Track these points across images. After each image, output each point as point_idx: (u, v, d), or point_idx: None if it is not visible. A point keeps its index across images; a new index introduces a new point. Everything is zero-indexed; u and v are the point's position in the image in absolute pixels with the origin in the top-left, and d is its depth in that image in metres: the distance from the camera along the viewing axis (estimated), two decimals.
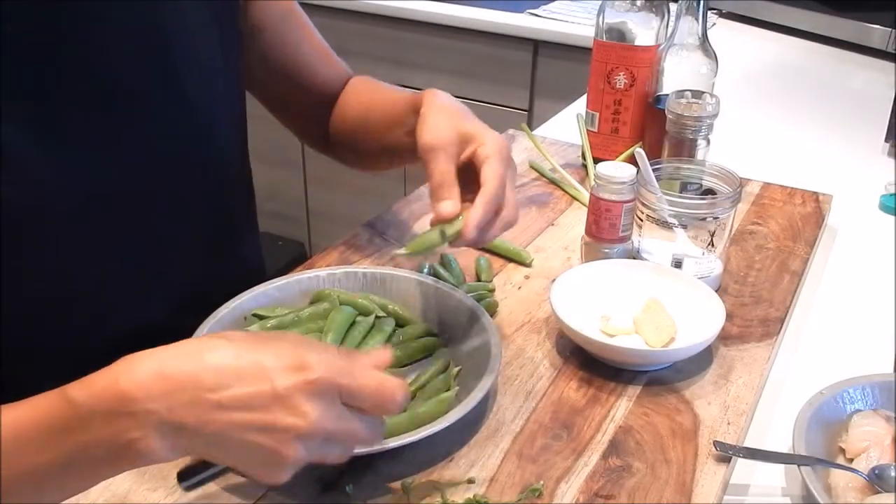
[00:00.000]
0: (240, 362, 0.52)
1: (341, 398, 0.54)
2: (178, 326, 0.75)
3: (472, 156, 0.75)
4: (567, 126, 1.36)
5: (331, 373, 0.53)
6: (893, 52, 1.80)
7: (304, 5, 0.99)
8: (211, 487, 0.65)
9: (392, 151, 0.92)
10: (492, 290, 0.91)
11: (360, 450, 0.66)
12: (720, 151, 1.04)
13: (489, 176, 0.73)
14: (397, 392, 0.56)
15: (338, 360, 0.54)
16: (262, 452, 0.53)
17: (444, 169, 0.73)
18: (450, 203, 0.72)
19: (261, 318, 0.80)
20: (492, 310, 0.87)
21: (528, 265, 0.97)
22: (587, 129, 1.19)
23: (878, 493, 0.66)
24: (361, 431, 0.56)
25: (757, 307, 0.90)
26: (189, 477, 0.58)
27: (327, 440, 0.54)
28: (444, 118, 0.77)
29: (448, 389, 0.74)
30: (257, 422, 0.52)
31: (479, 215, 0.71)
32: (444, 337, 0.82)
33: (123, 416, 0.51)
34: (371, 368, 0.56)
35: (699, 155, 1.00)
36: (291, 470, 0.54)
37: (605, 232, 0.93)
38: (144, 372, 0.51)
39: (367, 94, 0.99)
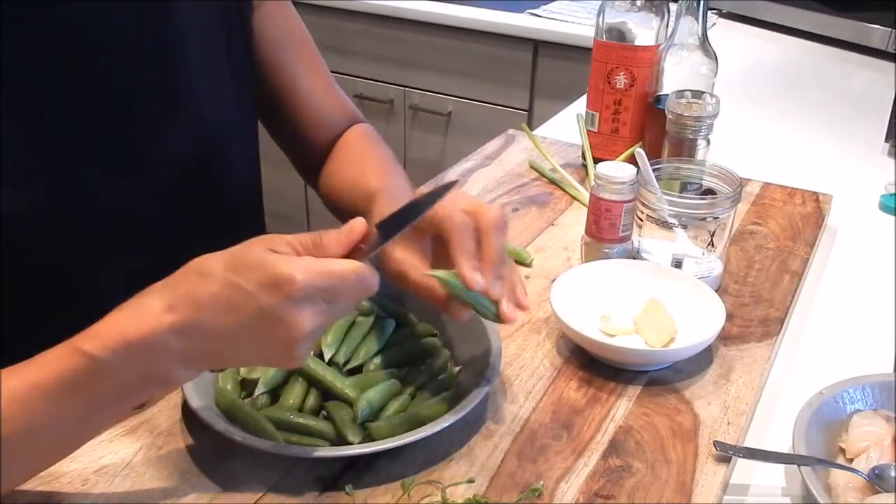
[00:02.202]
0: (225, 292, 0.57)
1: (322, 298, 0.58)
2: None
3: (426, 226, 0.71)
4: (567, 126, 1.36)
5: (307, 279, 0.57)
6: (893, 52, 1.80)
7: (305, 5, 0.98)
8: (211, 487, 0.65)
9: None
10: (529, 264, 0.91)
11: (360, 449, 0.66)
12: (720, 151, 1.04)
13: (444, 226, 0.69)
14: (369, 279, 0.60)
15: (311, 264, 0.58)
16: (272, 357, 0.61)
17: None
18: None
19: None
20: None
21: (528, 265, 0.98)
22: (587, 129, 1.19)
23: (878, 493, 0.66)
24: (351, 304, 0.63)
25: (757, 307, 0.90)
26: None
27: (324, 324, 0.60)
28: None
29: (448, 389, 0.74)
30: (258, 339, 0.58)
31: (462, 268, 0.67)
32: (444, 337, 0.82)
33: (143, 360, 0.57)
34: (341, 260, 0.60)
35: (699, 155, 1.00)
36: (306, 355, 0.61)
37: (605, 232, 0.93)
38: (152, 316, 0.57)
39: (356, 165, 0.93)
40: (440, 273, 0.67)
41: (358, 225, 0.62)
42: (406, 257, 0.72)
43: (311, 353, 0.75)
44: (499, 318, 0.68)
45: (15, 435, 0.55)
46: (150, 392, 0.61)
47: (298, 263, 0.58)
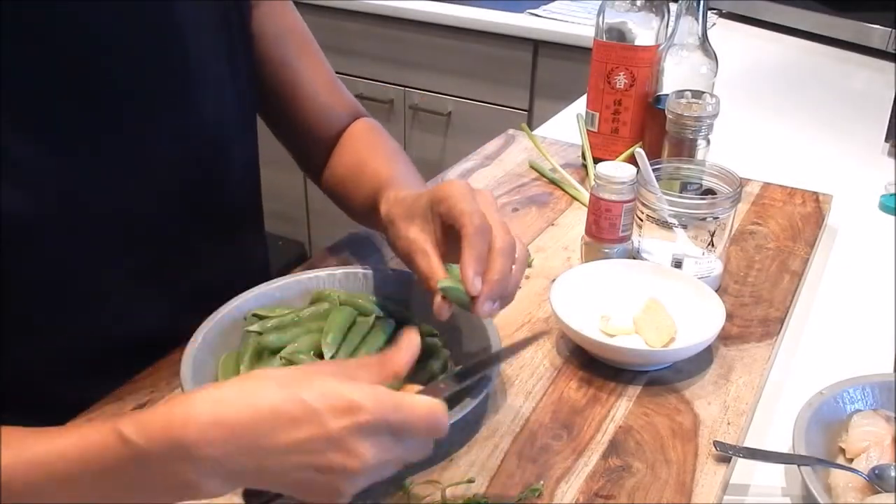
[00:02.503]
0: (291, 407, 0.53)
1: (391, 433, 0.54)
2: (184, 326, 0.75)
3: (444, 214, 0.71)
4: (567, 126, 1.36)
5: (380, 411, 0.53)
6: (893, 52, 1.80)
7: (305, 5, 0.98)
8: None
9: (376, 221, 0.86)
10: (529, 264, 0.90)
11: None
12: (720, 151, 1.04)
13: (463, 221, 0.68)
14: (442, 420, 0.57)
15: (384, 395, 0.54)
16: (319, 488, 0.55)
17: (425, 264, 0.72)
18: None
19: (261, 318, 0.80)
20: None
21: (528, 265, 0.97)
22: (587, 129, 1.19)
23: (878, 493, 0.66)
24: (414, 454, 0.58)
25: (757, 307, 0.90)
26: (252, 498, 0.58)
27: (382, 468, 0.56)
28: (425, 197, 0.74)
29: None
30: (313, 464, 0.53)
31: (468, 270, 0.67)
32: (444, 337, 0.82)
33: (182, 461, 0.52)
34: (415, 395, 0.57)
35: (699, 155, 1.00)
36: (350, 497, 0.56)
37: (605, 232, 0.93)
38: (201, 418, 0.52)
39: (363, 153, 0.93)
40: (449, 284, 0.68)
41: (412, 341, 0.60)
42: (418, 239, 0.71)
43: (311, 353, 0.74)
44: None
45: (23, 498, 0.53)
46: (170, 499, 0.55)
47: (373, 392, 0.54)
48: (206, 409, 0.52)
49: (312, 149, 0.98)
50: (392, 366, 0.59)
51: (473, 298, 0.67)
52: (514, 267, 0.69)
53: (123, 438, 0.52)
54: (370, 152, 0.93)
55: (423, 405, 0.56)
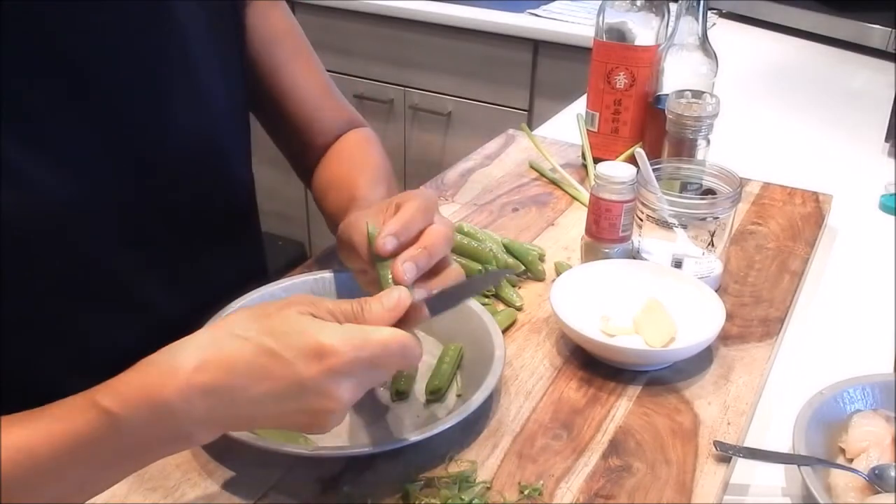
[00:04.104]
0: (263, 360, 0.54)
1: (365, 369, 0.56)
2: (183, 327, 0.75)
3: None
4: (567, 126, 1.36)
5: (351, 351, 0.54)
6: (893, 52, 1.80)
7: (305, 5, 0.98)
8: (211, 487, 0.65)
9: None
10: (520, 308, 0.89)
11: (360, 450, 0.66)
12: (720, 151, 1.04)
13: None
14: (414, 349, 0.58)
15: (353, 334, 0.55)
16: (302, 424, 0.58)
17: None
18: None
19: None
20: (512, 319, 0.87)
21: (517, 309, 0.96)
22: (587, 129, 1.19)
23: (878, 493, 0.66)
24: (391, 373, 0.61)
25: (757, 307, 0.90)
26: None
27: (360, 395, 0.58)
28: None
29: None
30: (292, 408, 0.55)
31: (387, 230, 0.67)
32: (447, 337, 0.82)
33: (166, 421, 0.54)
34: (384, 328, 0.57)
35: (699, 155, 1.00)
36: (337, 424, 0.58)
37: (605, 232, 0.93)
38: (178, 379, 0.53)
39: (345, 168, 0.93)
40: (371, 227, 0.69)
41: (403, 299, 0.60)
42: (359, 220, 0.72)
43: None
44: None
45: (17, 487, 0.53)
46: (166, 452, 0.58)
47: (342, 333, 0.55)
48: (184, 372, 0.53)
49: (303, 153, 0.98)
50: (366, 322, 0.58)
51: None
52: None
53: (104, 410, 0.53)
54: (350, 168, 0.92)
55: (393, 340, 0.57)
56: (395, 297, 0.60)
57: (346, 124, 0.99)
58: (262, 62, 0.91)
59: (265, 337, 0.55)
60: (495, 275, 0.65)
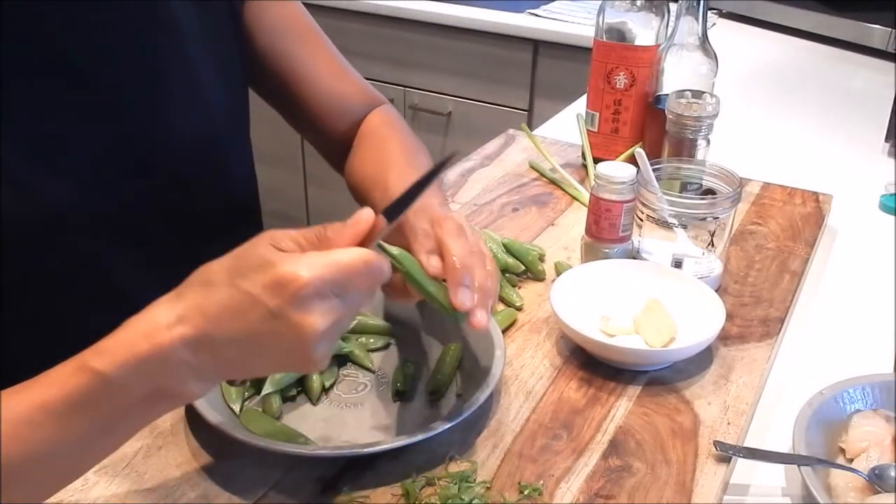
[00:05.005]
0: (232, 299, 0.55)
1: (332, 292, 0.55)
2: None
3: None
4: (567, 126, 1.36)
5: (313, 274, 0.54)
6: (893, 52, 1.80)
7: (306, 6, 0.98)
8: (211, 487, 0.65)
9: None
10: (520, 308, 0.89)
11: (360, 450, 0.66)
12: (720, 151, 1.04)
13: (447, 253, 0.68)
14: (378, 265, 0.58)
15: (313, 259, 0.55)
16: (288, 362, 0.58)
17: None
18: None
19: None
20: (512, 319, 0.87)
21: (518, 308, 0.95)
22: (587, 129, 1.19)
23: (878, 493, 0.66)
24: (362, 302, 0.59)
25: (757, 307, 0.90)
26: None
27: (338, 325, 0.57)
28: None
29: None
30: (271, 345, 0.55)
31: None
32: (447, 337, 0.82)
33: (156, 375, 0.55)
34: (343, 249, 0.57)
35: (699, 155, 1.00)
36: (326, 356, 0.58)
37: (605, 232, 0.93)
38: (160, 330, 0.54)
39: (374, 160, 0.91)
40: (393, 249, 0.65)
41: (364, 215, 0.59)
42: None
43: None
44: (449, 311, 0.66)
45: (20, 458, 0.53)
46: (162, 409, 0.58)
47: (302, 260, 0.55)
48: (165, 322, 0.54)
49: (330, 141, 0.97)
50: (330, 245, 0.58)
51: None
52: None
53: (94, 371, 0.54)
54: (381, 159, 0.91)
55: (355, 258, 0.56)
56: (357, 215, 0.60)
57: (365, 104, 0.97)
58: (271, 53, 0.91)
59: (233, 277, 0.55)
60: (442, 163, 0.63)
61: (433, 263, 0.66)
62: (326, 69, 0.95)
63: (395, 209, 0.62)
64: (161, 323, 0.55)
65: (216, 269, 0.57)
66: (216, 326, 0.55)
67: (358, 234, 0.59)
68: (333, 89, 0.95)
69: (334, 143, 0.97)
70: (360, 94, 0.97)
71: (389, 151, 0.91)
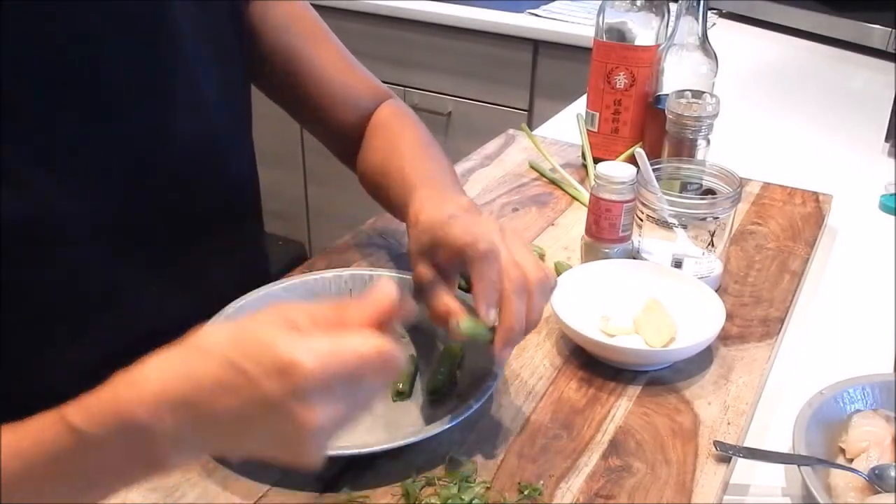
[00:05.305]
0: (229, 375, 0.49)
1: (340, 384, 0.50)
2: (186, 327, 0.75)
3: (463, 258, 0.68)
4: (567, 126, 1.36)
5: (318, 365, 0.48)
6: (893, 52, 1.80)
7: None
8: (211, 487, 0.65)
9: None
10: None
11: (360, 450, 0.66)
12: (720, 151, 1.04)
13: (467, 251, 0.66)
14: (393, 356, 0.52)
15: (320, 345, 0.49)
16: (279, 451, 0.52)
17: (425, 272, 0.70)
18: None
19: None
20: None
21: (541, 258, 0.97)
22: (587, 129, 1.19)
23: (878, 493, 0.66)
24: (373, 395, 0.53)
25: (757, 307, 0.90)
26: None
27: (342, 420, 0.52)
28: (428, 235, 0.72)
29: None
30: (261, 431, 0.51)
31: (480, 305, 0.66)
32: (447, 337, 0.82)
33: (134, 438, 0.50)
34: (357, 335, 0.51)
35: (699, 155, 1.00)
36: (322, 453, 0.52)
37: (605, 232, 0.93)
38: (147, 397, 0.50)
39: (388, 151, 0.91)
40: (470, 326, 0.66)
41: (388, 294, 0.54)
42: (426, 274, 0.70)
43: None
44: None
45: None
46: (140, 476, 0.54)
47: (309, 345, 0.49)
48: (152, 387, 0.50)
49: (340, 136, 0.96)
50: (347, 323, 0.53)
51: (493, 337, 0.66)
52: (534, 301, 0.66)
53: (71, 427, 0.50)
54: (394, 153, 0.90)
55: (370, 348, 0.50)
56: (378, 290, 0.55)
57: (373, 98, 0.97)
58: (278, 49, 0.91)
59: (231, 350, 0.50)
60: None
61: (492, 317, 0.65)
62: (333, 64, 0.95)
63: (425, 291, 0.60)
64: (145, 384, 0.50)
65: (216, 337, 0.52)
66: (205, 400, 0.50)
67: (380, 315, 0.54)
68: (341, 83, 0.95)
69: (343, 137, 0.96)
70: (368, 87, 0.97)
71: (403, 141, 0.91)
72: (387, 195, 0.88)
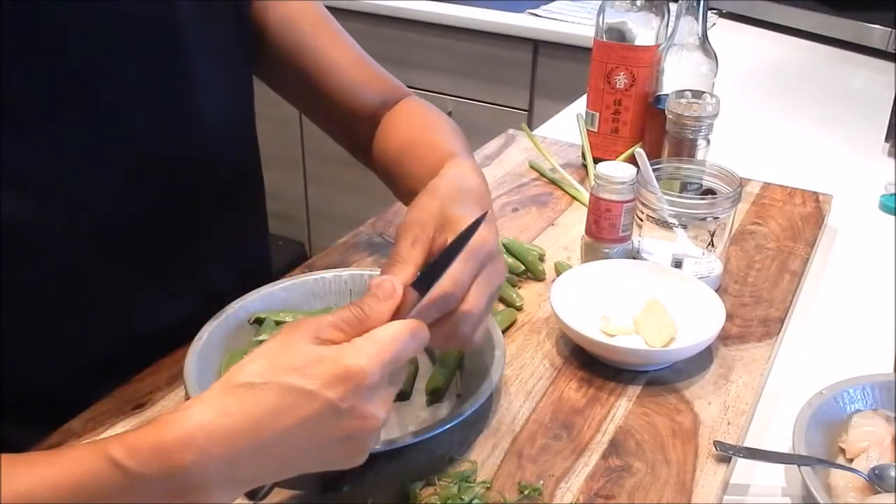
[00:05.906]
0: (287, 399, 0.52)
1: (390, 374, 0.55)
2: (186, 327, 0.75)
3: (445, 244, 0.67)
4: (567, 126, 1.36)
5: (371, 364, 0.53)
6: (893, 52, 1.80)
7: None
8: None
9: None
10: (520, 308, 0.89)
11: None
12: (720, 151, 1.04)
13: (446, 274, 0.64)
14: (423, 328, 0.57)
15: (367, 347, 0.54)
16: (340, 456, 0.56)
17: (402, 249, 0.65)
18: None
19: (261, 322, 0.80)
20: (512, 319, 0.87)
21: (517, 308, 0.95)
22: (587, 129, 1.19)
23: (878, 493, 0.66)
24: (406, 370, 0.59)
25: (757, 307, 0.90)
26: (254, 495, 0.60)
27: (391, 403, 0.57)
28: (434, 200, 0.70)
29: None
30: (330, 439, 0.54)
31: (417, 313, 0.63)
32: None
33: (179, 476, 0.50)
34: (389, 326, 0.56)
35: (699, 155, 1.00)
36: (374, 446, 0.58)
37: (605, 232, 0.93)
38: (198, 439, 0.50)
39: (407, 133, 0.90)
40: None
41: (393, 289, 0.58)
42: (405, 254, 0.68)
43: None
44: None
45: None
46: None
47: (354, 350, 0.53)
48: (201, 429, 0.50)
49: (352, 130, 0.95)
50: (370, 322, 0.57)
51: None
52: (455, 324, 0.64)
53: (114, 462, 0.50)
54: (427, 127, 0.89)
55: (402, 332, 0.56)
56: (387, 288, 0.58)
57: (388, 93, 0.95)
58: (286, 46, 0.89)
59: (284, 376, 0.52)
60: (470, 229, 0.62)
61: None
62: (345, 58, 0.93)
63: (426, 280, 0.61)
64: (196, 420, 0.51)
65: (253, 370, 0.53)
66: (265, 426, 0.51)
67: (394, 308, 0.58)
68: (354, 77, 0.93)
69: (357, 130, 0.95)
70: (380, 81, 0.96)
71: (437, 123, 0.90)
72: (410, 167, 0.85)
